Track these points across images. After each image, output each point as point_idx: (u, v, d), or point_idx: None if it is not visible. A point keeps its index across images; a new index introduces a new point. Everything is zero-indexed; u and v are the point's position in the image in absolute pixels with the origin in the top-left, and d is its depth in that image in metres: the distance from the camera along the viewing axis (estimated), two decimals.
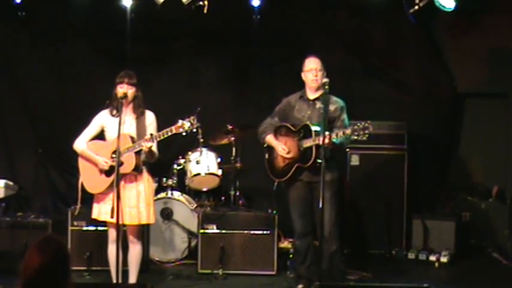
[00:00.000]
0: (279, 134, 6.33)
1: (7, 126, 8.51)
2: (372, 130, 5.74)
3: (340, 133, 5.85)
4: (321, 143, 5.78)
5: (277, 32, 8.34)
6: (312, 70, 6.16)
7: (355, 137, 5.80)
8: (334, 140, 5.82)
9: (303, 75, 6.27)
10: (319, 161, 5.74)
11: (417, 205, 8.07)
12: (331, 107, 6.12)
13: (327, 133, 5.74)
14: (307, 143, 6.00)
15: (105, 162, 5.80)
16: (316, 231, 6.09)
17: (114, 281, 5.74)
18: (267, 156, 6.47)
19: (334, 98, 6.21)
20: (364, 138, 5.83)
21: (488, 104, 8.44)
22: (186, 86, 8.54)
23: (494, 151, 8.35)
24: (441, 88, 8.45)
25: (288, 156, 6.18)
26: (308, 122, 6.09)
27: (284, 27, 8.32)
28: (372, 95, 8.29)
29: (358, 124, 5.76)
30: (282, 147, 6.21)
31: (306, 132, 6.05)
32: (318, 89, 6.18)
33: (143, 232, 6.34)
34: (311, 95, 6.24)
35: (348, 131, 5.80)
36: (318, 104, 6.17)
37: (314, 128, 6.01)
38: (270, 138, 6.36)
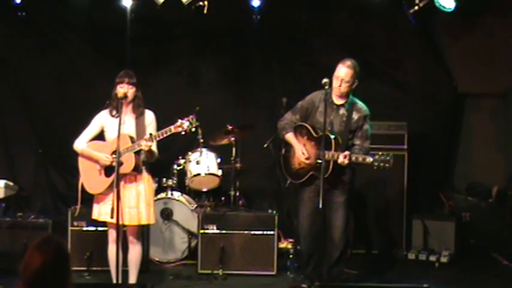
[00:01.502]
0: (299, 134, 6.17)
1: (7, 127, 8.51)
2: (391, 165, 5.70)
3: (360, 159, 5.76)
4: (339, 161, 5.73)
5: (277, 32, 8.34)
6: (338, 79, 5.96)
7: (374, 168, 5.73)
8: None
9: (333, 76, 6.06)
10: (319, 161, 5.74)
11: (417, 205, 8.08)
12: (355, 116, 6.02)
13: (346, 153, 5.71)
14: (327, 156, 5.76)
15: (106, 157, 5.79)
16: (323, 235, 6.07)
17: (114, 281, 5.74)
18: (283, 151, 6.34)
19: (359, 105, 6.07)
20: (384, 169, 5.76)
21: (488, 104, 8.45)
22: (186, 86, 8.53)
23: (494, 151, 8.35)
24: (441, 88, 8.45)
25: (307, 161, 6.03)
26: (332, 136, 5.91)
27: (284, 28, 8.32)
28: (372, 95, 8.22)
29: (380, 154, 5.71)
30: (302, 151, 6.04)
31: (327, 143, 5.81)
32: (343, 97, 6.05)
33: (143, 232, 6.34)
34: (337, 100, 6.07)
35: (368, 160, 5.72)
36: (342, 111, 6.04)
37: (334, 140, 5.86)
38: (290, 137, 6.18)
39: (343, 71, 5.95)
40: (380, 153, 5.74)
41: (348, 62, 5.97)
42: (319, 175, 5.74)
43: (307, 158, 6.03)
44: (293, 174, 6.24)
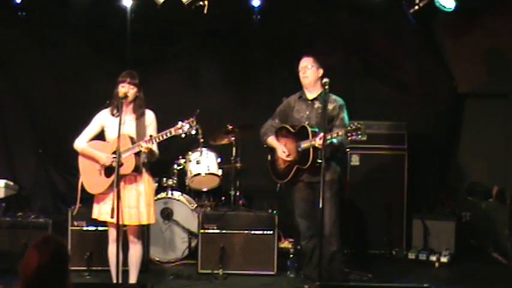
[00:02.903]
0: (280, 136, 6.36)
1: (7, 126, 8.51)
2: (363, 131, 5.73)
3: (334, 134, 5.86)
4: (316, 144, 5.82)
5: (277, 32, 8.34)
6: (302, 69, 6.27)
7: (349, 138, 5.79)
8: (330, 141, 5.83)
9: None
10: (319, 161, 5.75)
11: (417, 205, 8.08)
12: (330, 106, 6.12)
13: (321, 134, 5.76)
14: (304, 145, 6.03)
15: (107, 157, 5.79)
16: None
17: (115, 281, 5.75)
18: (269, 157, 6.50)
19: (333, 97, 6.21)
20: (361, 138, 5.80)
21: (489, 104, 8.44)
22: (186, 86, 8.53)
23: (495, 151, 8.34)
24: (441, 88, 8.45)
25: (288, 158, 6.21)
26: (306, 123, 6.11)
27: (284, 28, 8.33)
28: (372, 95, 8.29)
29: (351, 125, 5.77)
30: (282, 150, 6.26)
31: (304, 134, 6.07)
32: (314, 88, 6.23)
33: (143, 232, 6.34)
34: (309, 94, 6.29)
35: (341, 132, 5.81)
36: (317, 104, 6.22)
37: (311, 129, 6.03)
38: (271, 140, 6.41)
39: (303, 60, 6.32)
40: (351, 124, 5.79)
41: (304, 55, 6.35)
42: (302, 166, 6.02)
43: (288, 156, 6.21)
44: (281, 175, 6.40)
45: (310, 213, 6.18)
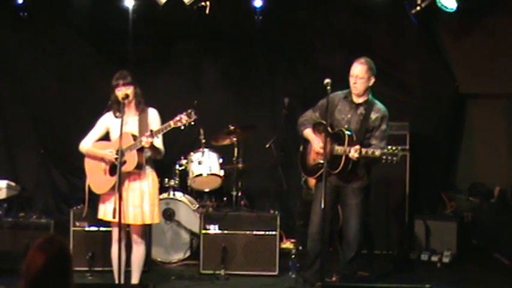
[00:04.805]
0: (317, 131, 6.18)
1: (9, 127, 8.53)
2: (399, 159, 5.68)
3: (370, 152, 5.77)
4: (350, 155, 5.76)
5: (278, 33, 8.35)
6: (353, 77, 6.04)
7: (382, 161, 5.72)
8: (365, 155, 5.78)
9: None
10: (321, 161, 5.74)
11: (419, 205, 8.07)
12: (373, 115, 6.03)
13: (357, 146, 5.73)
14: (338, 151, 5.88)
15: (110, 152, 5.79)
16: (331, 237, 6.08)
17: (117, 281, 5.75)
18: (301, 149, 6.37)
19: (377, 106, 6.09)
20: (394, 162, 5.73)
21: (490, 104, 8.44)
22: (188, 86, 8.53)
23: (496, 151, 8.34)
24: (443, 88, 8.44)
25: (321, 151, 5.95)
26: (345, 128, 5.97)
27: (286, 28, 8.33)
28: (373, 95, 8.27)
29: (389, 148, 5.70)
30: (319, 142, 6.06)
31: (340, 138, 5.92)
32: (361, 95, 6.08)
33: (146, 232, 6.35)
34: (356, 98, 6.10)
35: (377, 153, 5.72)
36: (361, 110, 6.06)
37: (347, 135, 5.88)
38: (308, 132, 6.22)
39: (356, 68, 6.03)
40: (389, 147, 5.73)
41: (362, 59, 6.06)
42: (332, 170, 5.87)
43: (319, 153, 6.03)
44: (308, 170, 6.30)
45: (327, 212, 5.96)
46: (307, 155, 6.28)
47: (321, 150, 5.97)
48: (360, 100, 6.09)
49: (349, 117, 6.07)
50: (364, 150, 5.76)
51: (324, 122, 6.06)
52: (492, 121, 8.38)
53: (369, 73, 6.03)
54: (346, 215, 6.16)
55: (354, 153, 5.74)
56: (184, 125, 5.63)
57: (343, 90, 6.15)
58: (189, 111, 5.63)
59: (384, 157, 5.68)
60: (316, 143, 6.10)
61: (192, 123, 5.66)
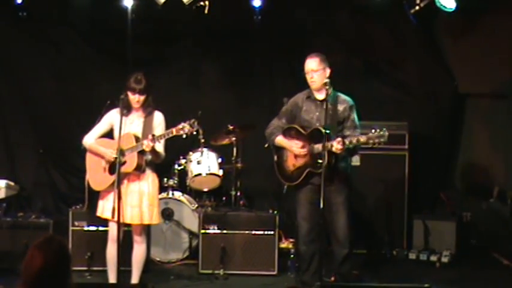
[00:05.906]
0: (289, 136, 6.12)
1: (8, 127, 8.52)
2: (387, 138, 5.64)
3: (354, 140, 5.72)
4: (334, 149, 5.70)
5: (278, 32, 8.35)
6: (308, 73, 6.02)
7: (370, 145, 5.70)
8: (348, 146, 5.75)
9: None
10: (320, 161, 5.73)
11: (418, 205, 8.07)
12: (340, 107, 6.01)
13: (338, 139, 5.68)
14: (319, 148, 5.79)
15: (111, 152, 5.80)
16: (324, 237, 6.05)
17: (111, 280, 5.76)
18: (275, 158, 6.29)
19: (342, 97, 6.08)
20: (380, 146, 5.73)
21: (489, 104, 8.44)
22: (187, 86, 8.54)
23: (495, 151, 8.34)
24: (442, 88, 8.45)
25: (302, 152, 5.98)
26: (318, 125, 5.93)
27: (285, 28, 8.33)
28: (373, 95, 8.28)
29: (373, 131, 5.66)
30: (296, 143, 6.02)
31: (318, 136, 5.84)
32: (321, 89, 6.02)
33: (148, 232, 6.35)
34: (318, 95, 6.06)
35: (363, 139, 5.68)
36: (326, 105, 5.96)
37: (325, 132, 5.80)
38: (280, 139, 6.16)
39: (310, 63, 6.02)
40: (373, 130, 5.69)
41: (312, 54, 6.06)
42: (316, 170, 5.81)
43: (302, 147, 5.99)
44: (289, 177, 6.19)
45: (313, 216, 5.99)
46: (284, 163, 6.20)
47: (302, 152, 5.98)
48: (323, 96, 5.99)
49: (318, 115, 6.01)
50: (347, 141, 5.73)
51: (294, 126, 6.08)
52: (491, 121, 8.38)
53: (323, 64, 6.01)
54: (333, 214, 6.03)
55: (337, 145, 5.68)
56: (186, 134, 5.66)
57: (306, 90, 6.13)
58: (192, 121, 5.66)
59: (371, 141, 5.65)
60: (294, 146, 6.05)
61: (194, 132, 5.69)
